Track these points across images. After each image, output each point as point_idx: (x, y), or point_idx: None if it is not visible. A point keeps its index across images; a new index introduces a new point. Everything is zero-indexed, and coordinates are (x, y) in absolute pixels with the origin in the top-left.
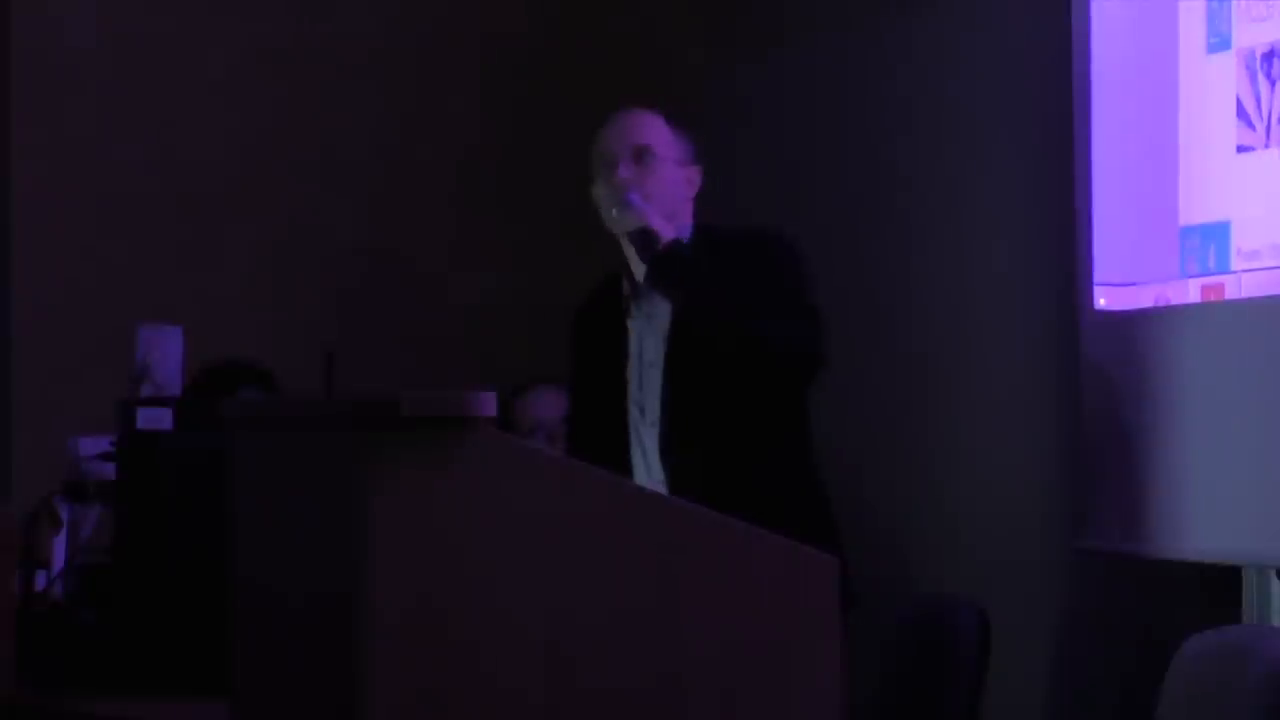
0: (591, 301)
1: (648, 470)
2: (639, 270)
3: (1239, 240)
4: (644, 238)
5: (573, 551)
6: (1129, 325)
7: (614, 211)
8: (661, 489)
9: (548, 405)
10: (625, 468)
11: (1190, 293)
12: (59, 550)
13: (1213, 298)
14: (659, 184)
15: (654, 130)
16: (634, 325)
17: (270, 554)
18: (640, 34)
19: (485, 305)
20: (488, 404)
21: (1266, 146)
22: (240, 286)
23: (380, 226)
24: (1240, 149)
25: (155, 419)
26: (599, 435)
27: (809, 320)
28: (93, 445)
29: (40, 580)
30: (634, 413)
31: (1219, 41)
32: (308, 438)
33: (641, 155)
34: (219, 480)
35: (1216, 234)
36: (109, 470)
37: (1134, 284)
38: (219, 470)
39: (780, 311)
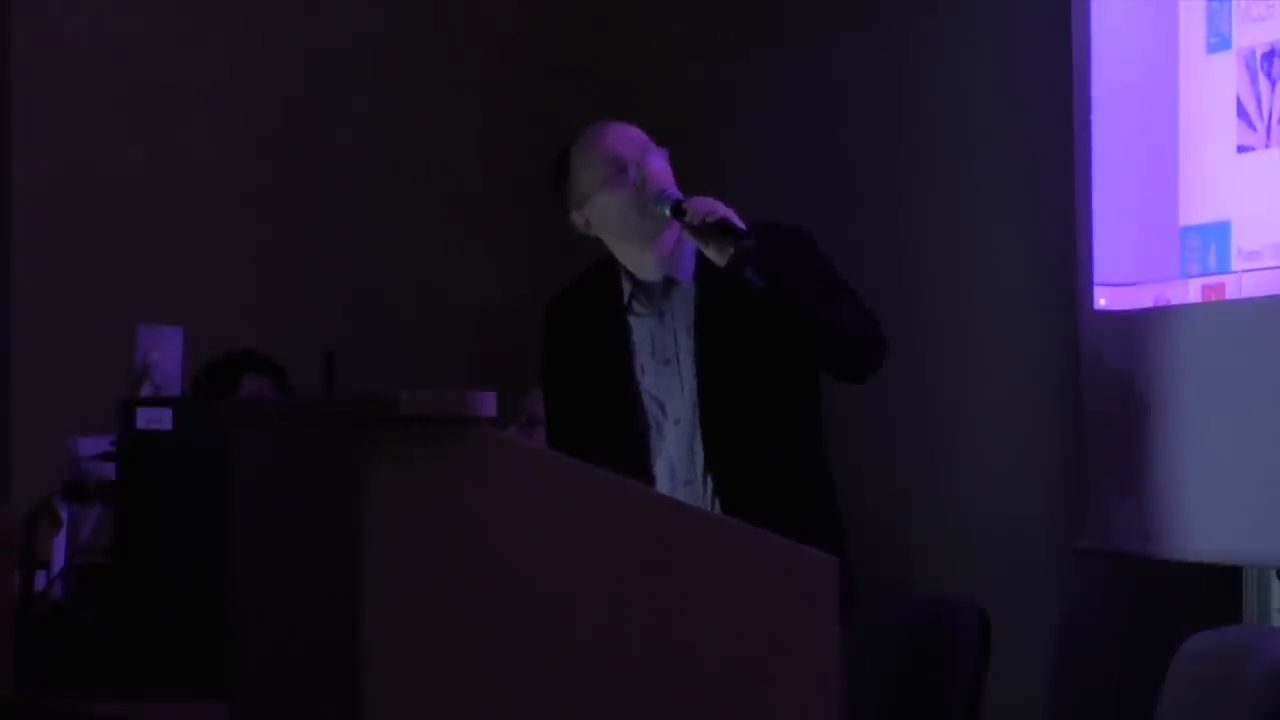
0: (574, 298)
1: (671, 470)
2: (655, 267)
3: (1239, 240)
4: (723, 227)
5: (572, 551)
6: (1129, 325)
7: (652, 209)
8: (690, 489)
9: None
10: (648, 464)
11: (1190, 293)
12: (59, 550)
13: (1213, 298)
14: (670, 178)
15: (641, 131)
16: (639, 322)
17: (270, 554)
18: (640, 35)
19: (485, 305)
20: (488, 404)
21: (1267, 146)
22: (240, 286)
23: (380, 226)
24: (1240, 149)
25: (155, 419)
26: (615, 432)
27: (867, 306)
28: (93, 445)
29: (40, 580)
30: (654, 410)
31: (1219, 41)
32: (307, 437)
33: (647, 153)
34: (219, 480)
35: (1216, 234)
36: (109, 470)
37: (1134, 284)
38: (219, 470)
39: (846, 299)
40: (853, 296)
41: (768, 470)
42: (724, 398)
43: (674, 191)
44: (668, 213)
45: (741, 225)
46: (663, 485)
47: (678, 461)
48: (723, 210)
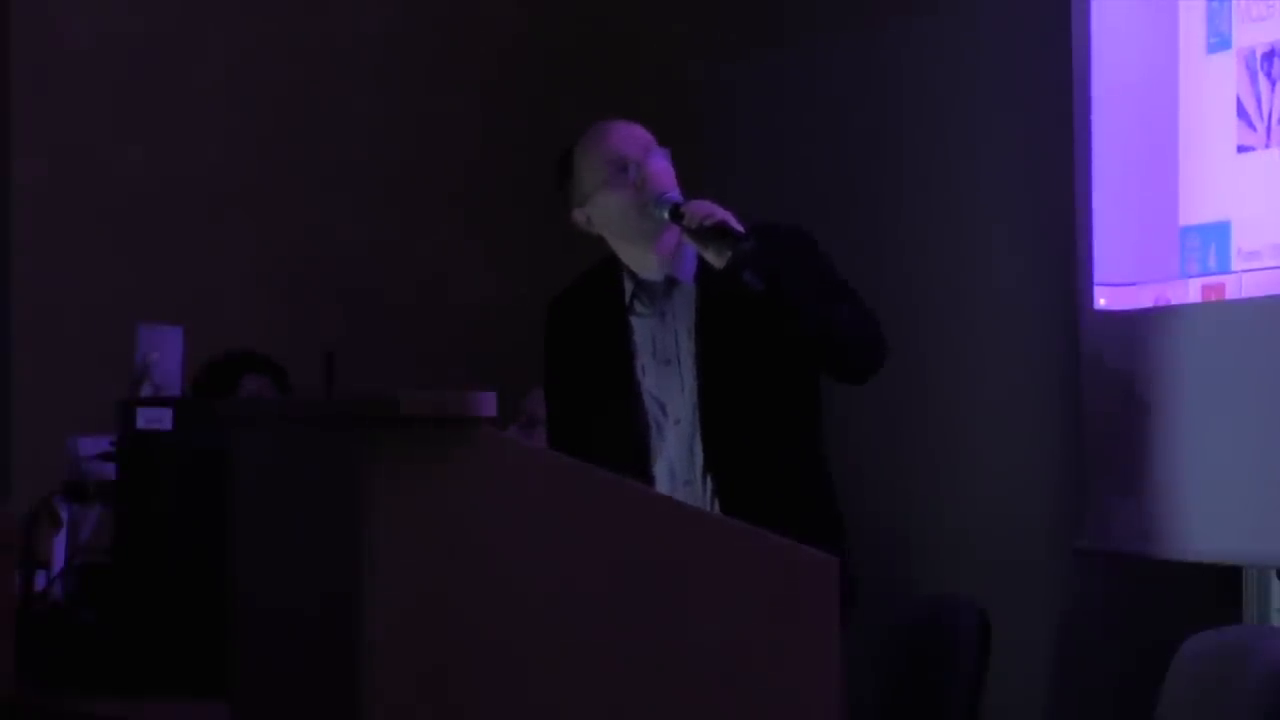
0: (576, 298)
1: (671, 470)
2: (657, 268)
3: (1239, 240)
4: (721, 232)
5: (573, 551)
6: (1129, 325)
7: (653, 211)
8: (689, 489)
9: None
10: (647, 465)
11: (1190, 293)
12: (59, 550)
13: (1213, 298)
14: (670, 178)
15: (645, 131)
16: (640, 322)
17: (270, 554)
18: (640, 35)
19: (485, 305)
20: (488, 404)
21: (1267, 146)
22: (240, 287)
23: (380, 227)
24: (1240, 149)
25: (155, 419)
26: (614, 432)
27: (867, 307)
28: (93, 445)
29: (40, 580)
30: (654, 409)
31: (1219, 41)
32: (308, 437)
33: (649, 153)
34: (219, 480)
35: (1216, 234)
36: (109, 470)
37: (1134, 284)
38: (219, 470)
39: (846, 300)
40: (853, 298)
41: (767, 471)
42: (724, 398)
43: (674, 194)
44: (666, 215)
45: (740, 228)
46: (662, 485)
47: (678, 462)
48: (721, 213)
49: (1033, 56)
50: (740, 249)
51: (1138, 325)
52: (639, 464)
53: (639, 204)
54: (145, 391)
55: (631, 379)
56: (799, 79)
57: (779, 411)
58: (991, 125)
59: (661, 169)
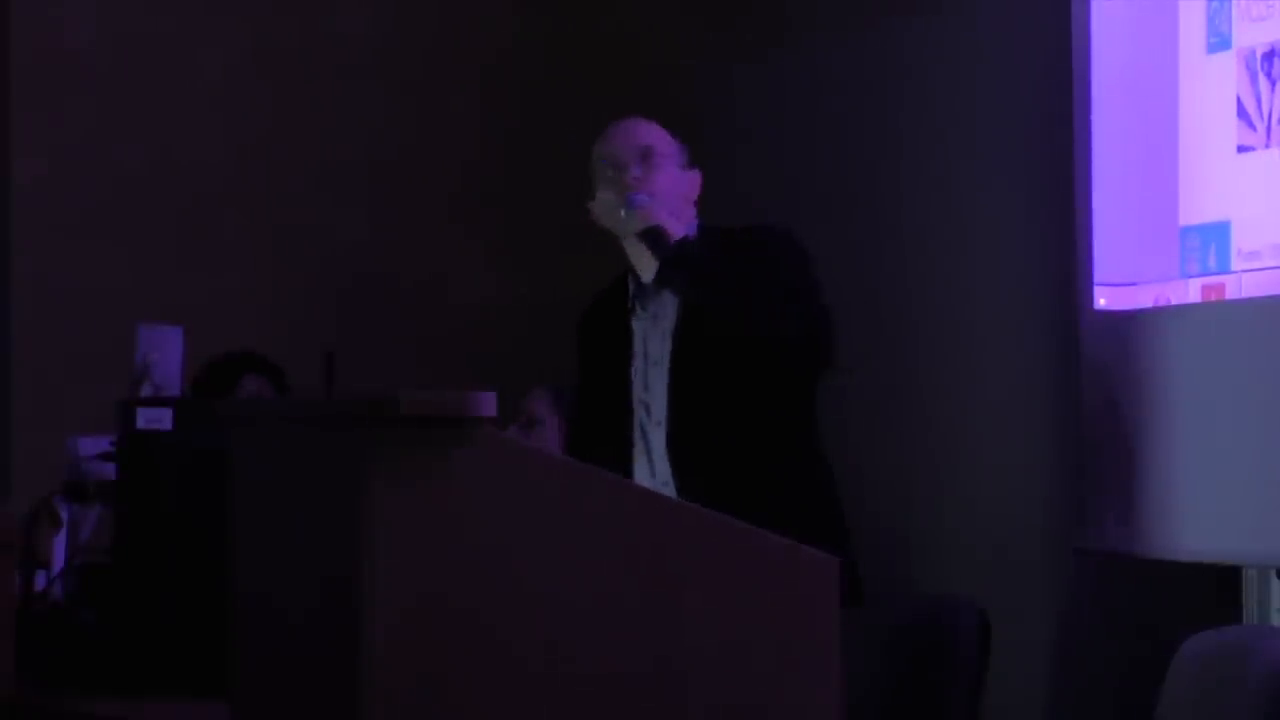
0: (600, 302)
1: (652, 470)
2: (647, 269)
3: (1239, 240)
4: (653, 236)
5: (573, 552)
6: (1129, 325)
7: (621, 212)
8: (667, 489)
9: (547, 405)
10: (628, 467)
11: (1190, 293)
12: (59, 550)
13: (1213, 298)
14: (665, 183)
15: (655, 133)
16: (638, 325)
17: (270, 554)
18: (639, 36)
19: (485, 306)
20: (488, 404)
21: (1267, 146)
22: (240, 287)
23: (380, 227)
24: (1240, 149)
25: (155, 419)
26: (602, 434)
27: (818, 315)
28: (93, 445)
29: (40, 580)
30: (640, 413)
31: (1219, 41)
32: (308, 437)
33: (647, 157)
34: (219, 480)
35: (1216, 234)
36: (109, 470)
37: (1134, 284)
38: (219, 470)
39: (790, 307)
40: (807, 300)
41: (744, 471)
42: (695, 399)
43: (638, 199)
44: (622, 214)
45: (674, 234)
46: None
47: (659, 463)
48: (659, 219)
49: (1033, 56)
50: (668, 255)
51: (1138, 325)
52: (622, 464)
53: (617, 206)
54: (145, 391)
55: (627, 381)
56: (799, 79)
57: (761, 412)
58: (991, 125)
59: (661, 173)
